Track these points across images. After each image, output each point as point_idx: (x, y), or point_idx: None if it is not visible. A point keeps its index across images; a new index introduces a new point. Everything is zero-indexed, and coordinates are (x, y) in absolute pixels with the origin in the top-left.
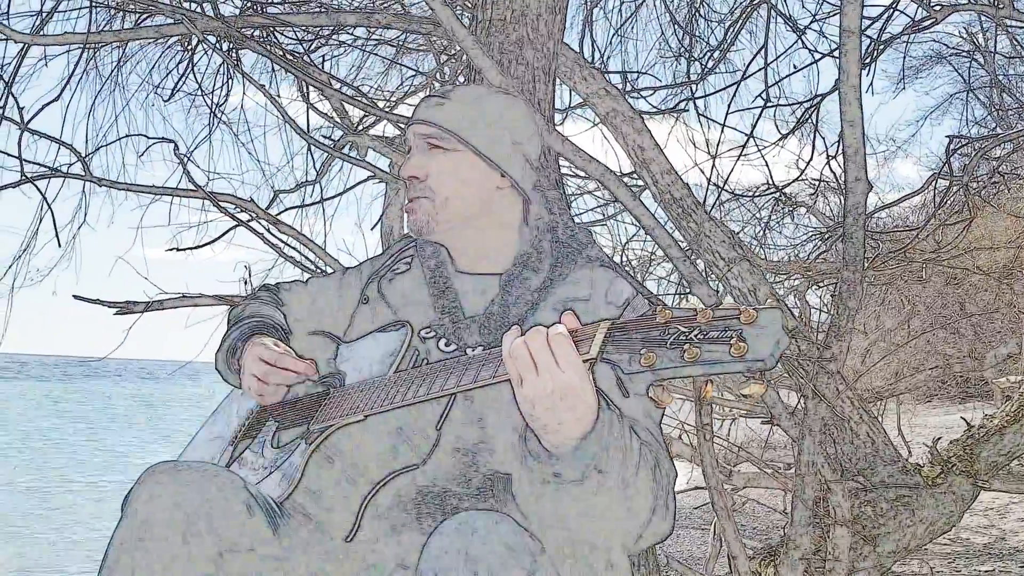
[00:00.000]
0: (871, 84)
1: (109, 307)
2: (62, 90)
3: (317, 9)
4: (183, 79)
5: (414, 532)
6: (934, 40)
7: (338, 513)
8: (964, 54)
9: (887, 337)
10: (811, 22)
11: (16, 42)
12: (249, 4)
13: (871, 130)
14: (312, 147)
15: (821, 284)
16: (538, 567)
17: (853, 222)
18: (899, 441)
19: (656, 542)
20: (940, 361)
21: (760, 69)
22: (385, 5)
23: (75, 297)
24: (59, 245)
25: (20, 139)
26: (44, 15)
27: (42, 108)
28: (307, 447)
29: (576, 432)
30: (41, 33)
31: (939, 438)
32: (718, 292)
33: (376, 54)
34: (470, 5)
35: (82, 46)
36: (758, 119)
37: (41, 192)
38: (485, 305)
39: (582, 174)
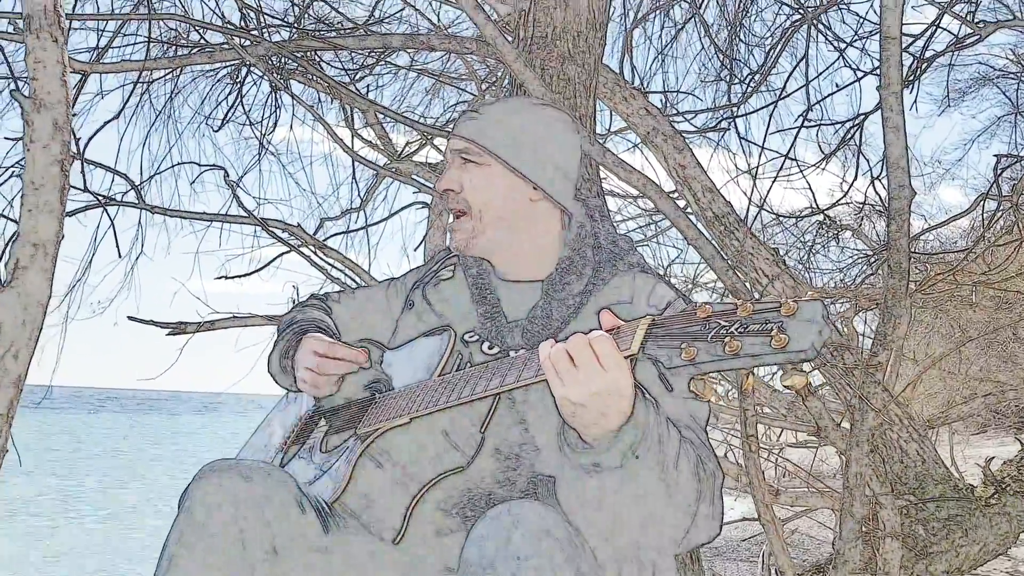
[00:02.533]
0: (915, 103)
1: (162, 327)
2: (120, 111)
3: (365, 33)
4: (232, 109)
5: (461, 534)
6: (980, 62)
7: (386, 515)
8: (1011, 76)
9: (938, 364)
10: (852, 39)
11: (75, 71)
12: (297, 31)
13: (916, 153)
14: (357, 173)
15: (868, 309)
16: (578, 554)
17: (897, 229)
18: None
19: (703, 543)
20: (993, 388)
21: (800, 87)
22: (430, 31)
23: (129, 318)
24: (119, 256)
25: (82, 168)
26: (101, 49)
27: (101, 127)
28: (355, 450)
29: (615, 424)
30: (100, 62)
31: (992, 458)
32: None
33: (423, 73)
34: (511, 26)
35: (137, 77)
36: (796, 138)
37: (106, 210)
38: (528, 310)
39: (622, 193)
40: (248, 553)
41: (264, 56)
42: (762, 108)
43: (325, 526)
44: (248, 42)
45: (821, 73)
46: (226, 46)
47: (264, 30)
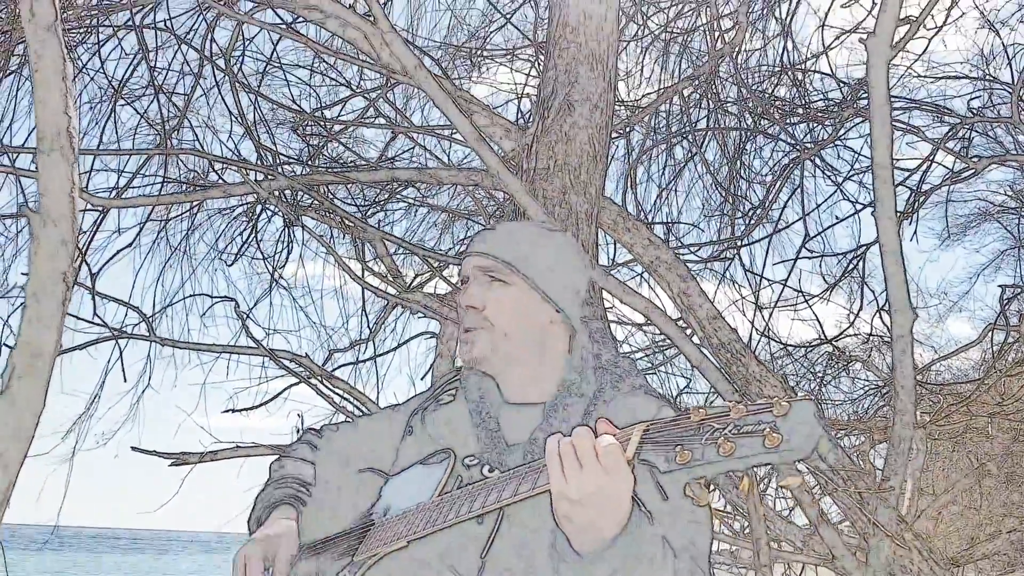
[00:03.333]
0: (914, 234)
1: (165, 458)
2: (134, 239)
3: (375, 167)
4: (246, 245)
5: None
6: (979, 198)
7: None
8: (1011, 211)
9: (959, 499)
10: (849, 173)
11: (94, 206)
12: (311, 168)
13: (921, 286)
14: (366, 307)
15: (883, 441)
16: None
17: (902, 351)
18: None
19: None
20: (1017, 524)
21: (798, 220)
22: (438, 166)
23: (133, 448)
24: (124, 379)
25: (93, 298)
26: (120, 188)
27: (113, 256)
28: None
29: (608, 534)
30: (119, 198)
31: None
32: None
33: (434, 208)
34: (515, 160)
35: (150, 211)
36: (793, 266)
37: (117, 341)
38: (529, 433)
39: (629, 322)
40: None
41: (278, 190)
42: (762, 239)
43: None
44: (263, 177)
45: (819, 205)
46: (241, 182)
47: (279, 167)
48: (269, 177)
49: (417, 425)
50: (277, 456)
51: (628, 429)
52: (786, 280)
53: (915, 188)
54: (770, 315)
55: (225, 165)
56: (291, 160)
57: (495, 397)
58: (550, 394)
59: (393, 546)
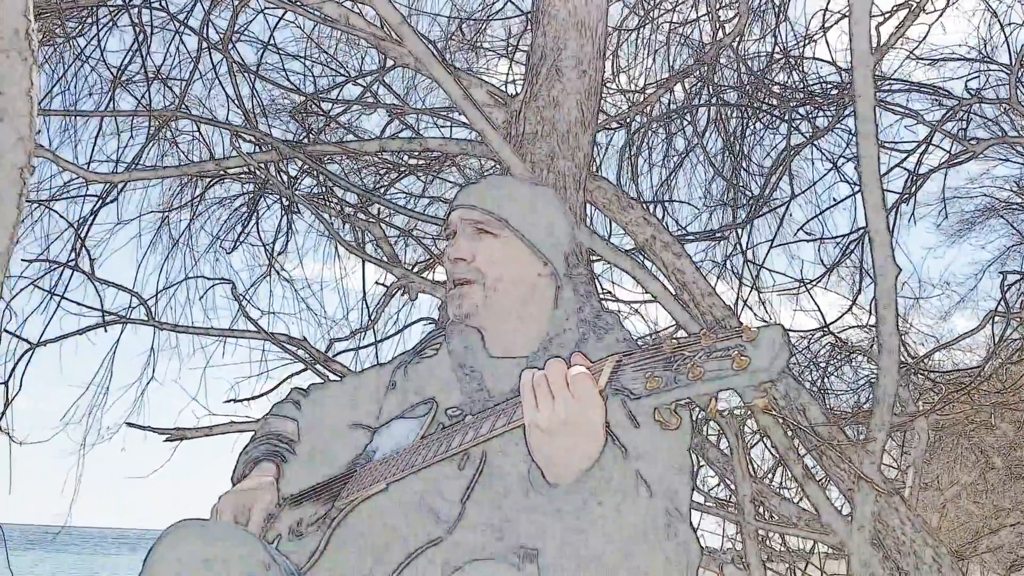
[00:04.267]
0: (912, 216)
1: (160, 433)
2: (113, 195)
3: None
4: (246, 233)
5: None
6: (984, 195)
7: None
8: (1016, 207)
9: (963, 492)
10: (844, 152)
11: (90, 181)
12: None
13: (924, 277)
14: (367, 296)
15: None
16: None
17: (885, 307)
18: None
19: None
20: (1022, 518)
21: (789, 199)
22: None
23: (128, 424)
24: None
25: (95, 285)
26: (120, 173)
27: (94, 213)
28: (330, 522)
29: (580, 465)
30: (117, 172)
31: None
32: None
33: (436, 199)
34: (505, 127)
35: (156, 210)
36: (769, 251)
37: (105, 327)
38: (511, 385)
39: (626, 300)
40: None
41: (272, 163)
42: (756, 218)
43: None
44: (257, 150)
45: (814, 183)
46: (234, 155)
47: (271, 136)
48: (263, 149)
49: (400, 379)
50: (263, 416)
51: (601, 361)
52: (762, 263)
53: (912, 170)
54: (748, 291)
55: (232, 134)
56: (289, 143)
57: (479, 350)
58: (533, 347)
59: (373, 490)
